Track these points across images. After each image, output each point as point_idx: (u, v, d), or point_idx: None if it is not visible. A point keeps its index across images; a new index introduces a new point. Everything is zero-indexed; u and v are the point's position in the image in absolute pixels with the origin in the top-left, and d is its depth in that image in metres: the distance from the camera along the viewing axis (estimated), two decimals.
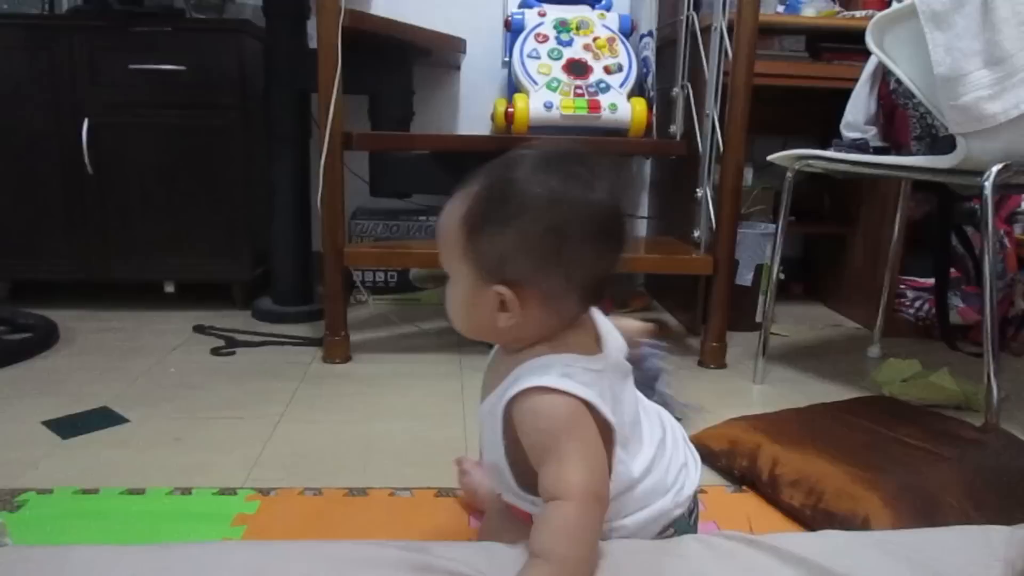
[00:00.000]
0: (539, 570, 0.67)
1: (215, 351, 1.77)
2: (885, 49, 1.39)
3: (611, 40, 2.08)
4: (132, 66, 1.97)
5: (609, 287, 0.75)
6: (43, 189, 2.03)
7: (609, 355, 0.77)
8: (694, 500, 0.85)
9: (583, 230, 0.70)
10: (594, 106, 1.95)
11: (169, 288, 2.14)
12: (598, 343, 0.78)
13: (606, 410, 0.72)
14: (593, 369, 0.73)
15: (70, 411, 1.38)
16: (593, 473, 0.70)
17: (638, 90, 2.06)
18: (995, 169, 1.24)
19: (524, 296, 0.71)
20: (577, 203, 0.70)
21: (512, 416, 0.73)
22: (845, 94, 1.70)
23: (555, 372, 0.71)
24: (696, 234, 1.87)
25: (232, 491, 1.09)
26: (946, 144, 1.31)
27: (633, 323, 0.91)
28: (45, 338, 1.77)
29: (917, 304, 2.06)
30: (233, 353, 1.76)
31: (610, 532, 0.77)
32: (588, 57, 2.04)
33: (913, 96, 1.39)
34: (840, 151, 1.58)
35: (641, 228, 2.58)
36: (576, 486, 0.68)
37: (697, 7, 1.95)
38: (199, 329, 1.93)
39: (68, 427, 1.31)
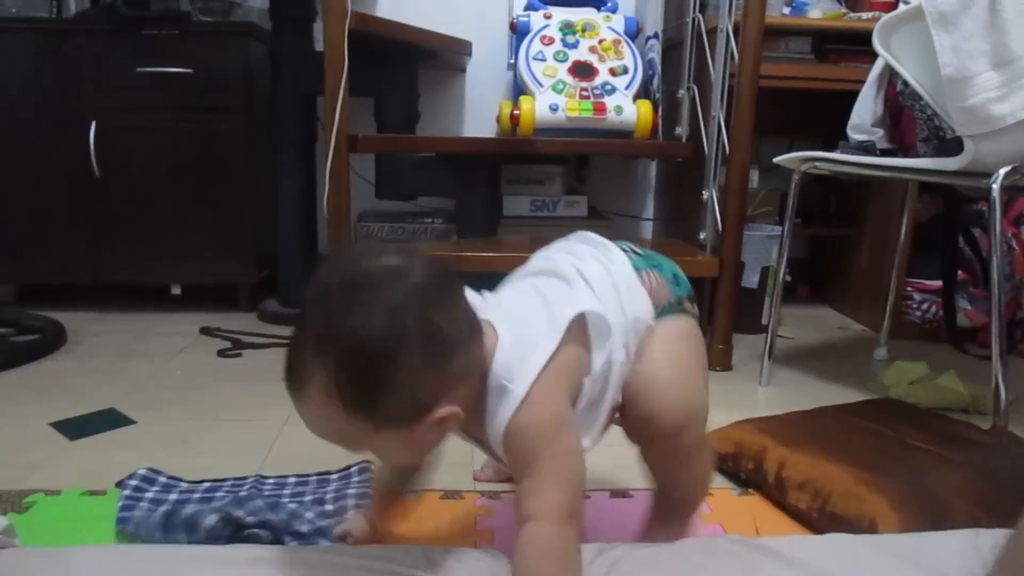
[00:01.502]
0: None
1: (221, 353, 1.77)
2: (892, 51, 1.38)
3: (617, 42, 2.08)
4: (139, 69, 1.98)
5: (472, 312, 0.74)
6: (50, 192, 2.04)
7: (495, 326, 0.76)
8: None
9: (440, 311, 0.68)
10: (600, 108, 1.95)
11: (176, 290, 2.14)
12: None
13: (560, 341, 0.73)
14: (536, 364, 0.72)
15: (78, 413, 1.38)
16: (568, 491, 0.71)
17: (644, 92, 2.06)
18: (1003, 171, 1.23)
19: (452, 400, 0.69)
20: (416, 299, 0.67)
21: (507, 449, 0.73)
22: (851, 96, 1.69)
23: (513, 381, 0.71)
24: (702, 236, 1.87)
25: None
26: (953, 146, 1.30)
27: None
28: (52, 340, 1.78)
29: (924, 306, 2.06)
30: (239, 355, 1.76)
31: (625, 347, 0.79)
32: (594, 59, 2.04)
33: (920, 98, 1.39)
34: (847, 153, 1.58)
35: (647, 230, 2.58)
36: (553, 505, 0.69)
37: (703, 9, 1.95)
38: (205, 331, 1.94)
39: (76, 429, 1.31)
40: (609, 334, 0.77)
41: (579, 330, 0.76)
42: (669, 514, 0.92)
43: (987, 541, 0.78)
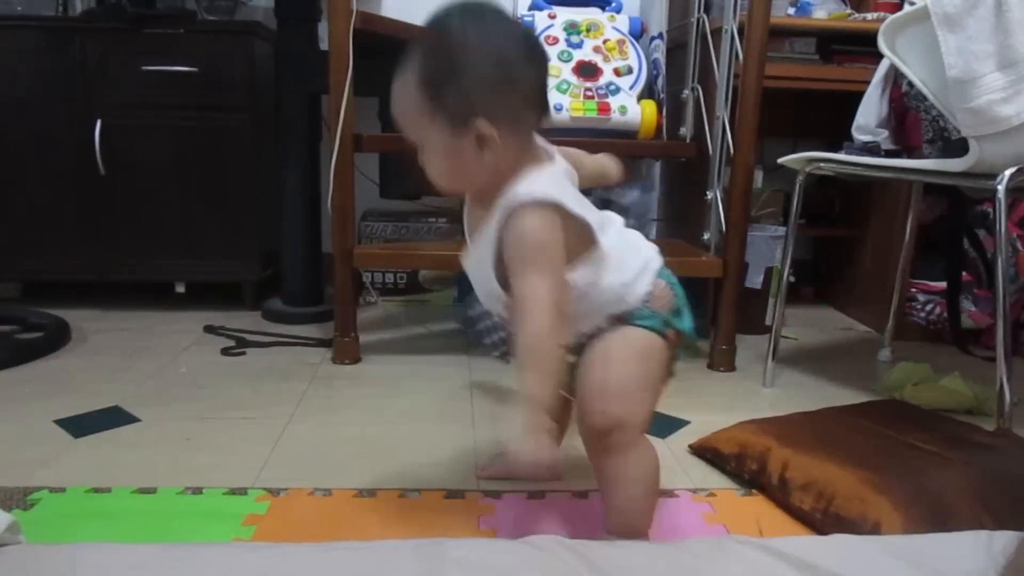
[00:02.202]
0: (520, 379, 0.78)
1: (225, 351, 1.77)
2: (897, 52, 1.38)
3: (621, 42, 2.08)
4: (144, 68, 1.98)
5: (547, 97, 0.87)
6: (55, 189, 2.04)
7: (560, 163, 0.91)
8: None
9: (519, 51, 0.82)
10: (604, 108, 1.94)
11: (180, 288, 2.15)
12: (551, 159, 0.91)
13: (578, 212, 0.85)
14: (560, 177, 0.88)
15: (82, 410, 1.38)
16: (554, 284, 0.81)
17: (648, 92, 2.06)
18: (1008, 172, 1.23)
19: (496, 127, 0.81)
20: (505, 32, 0.83)
21: (503, 239, 0.83)
22: (856, 97, 1.69)
23: (535, 187, 0.82)
24: (706, 236, 1.87)
25: (242, 491, 1.09)
26: (958, 147, 1.30)
27: (602, 158, 1.03)
28: (57, 338, 1.78)
29: (928, 308, 2.05)
30: (243, 353, 1.77)
31: (608, 290, 0.90)
32: (598, 59, 2.04)
33: (925, 99, 1.39)
34: (851, 154, 1.58)
35: (651, 230, 2.57)
36: (538, 293, 0.80)
37: (707, 9, 1.95)
38: (209, 329, 1.94)
39: (80, 426, 1.32)
40: (602, 262, 0.88)
41: (587, 236, 0.87)
42: (613, 528, 0.92)
43: (999, 543, 0.78)
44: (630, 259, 0.92)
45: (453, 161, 0.84)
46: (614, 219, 0.95)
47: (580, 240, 0.87)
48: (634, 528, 0.91)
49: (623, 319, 0.91)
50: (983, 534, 0.82)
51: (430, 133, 0.83)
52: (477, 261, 0.89)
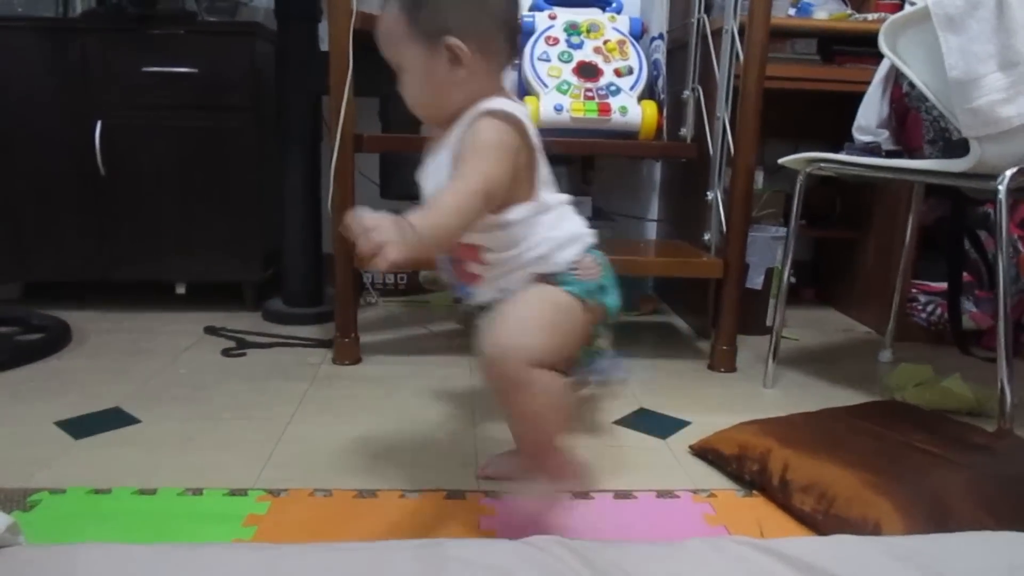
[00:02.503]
0: (421, 212, 0.81)
1: (226, 352, 1.77)
2: (898, 52, 1.38)
3: (622, 43, 2.08)
4: (145, 68, 1.98)
5: (517, 33, 0.98)
6: (56, 190, 2.04)
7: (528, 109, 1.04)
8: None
9: (501, 7, 0.92)
10: (604, 109, 1.94)
11: (180, 289, 2.15)
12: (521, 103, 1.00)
13: (533, 133, 0.93)
14: (526, 112, 0.94)
15: (82, 411, 1.38)
16: (491, 178, 0.86)
17: (649, 93, 2.06)
18: (1009, 173, 1.23)
19: (467, 45, 0.89)
20: None
21: (463, 141, 0.90)
22: (857, 97, 1.69)
23: (501, 103, 0.90)
24: (706, 237, 1.87)
25: (243, 492, 1.09)
26: (959, 148, 1.30)
27: None
28: (57, 339, 1.78)
29: (929, 309, 2.05)
30: (244, 354, 1.77)
31: (539, 244, 0.95)
32: (599, 60, 2.04)
33: (926, 99, 1.39)
34: (852, 154, 1.58)
35: (651, 231, 2.57)
36: (475, 175, 0.86)
37: (708, 10, 1.95)
38: (210, 330, 1.94)
39: (80, 427, 1.32)
40: (540, 213, 0.95)
41: (533, 177, 0.95)
42: (525, 457, 1.02)
43: (1001, 545, 0.78)
44: (566, 224, 0.99)
45: (428, 80, 0.92)
46: (563, 197, 1.01)
47: (527, 175, 0.94)
48: (541, 465, 0.95)
49: (547, 280, 0.96)
50: (985, 535, 0.82)
51: (406, 51, 0.91)
52: (434, 168, 0.96)
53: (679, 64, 2.09)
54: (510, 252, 0.95)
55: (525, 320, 0.91)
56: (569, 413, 0.97)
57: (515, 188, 0.92)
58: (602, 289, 0.98)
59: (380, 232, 0.73)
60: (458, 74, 0.90)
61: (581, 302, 0.95)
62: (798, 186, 1.60)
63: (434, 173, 0.97)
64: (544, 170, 0.97)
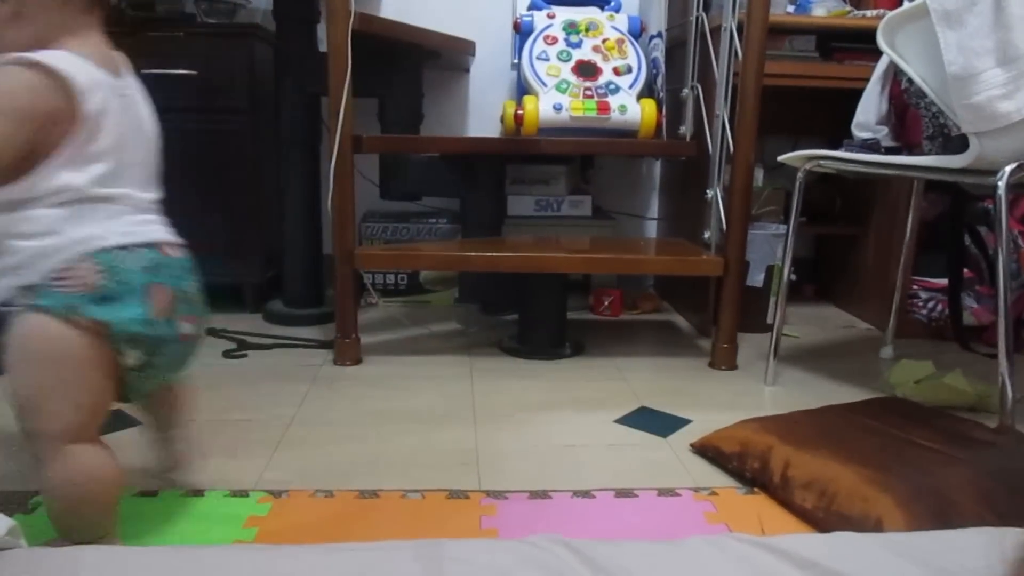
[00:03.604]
0: None
1: (226, 354, 1.77)
2: (897, 48, 1.38)
3: (620, 41, 2.08)
4: (144, 71, 1.97)
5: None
6: None
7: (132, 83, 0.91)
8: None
9: None
10: (603, 107, 1.94)
11: None
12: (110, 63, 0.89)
13: (96, 99, 0.82)
14: (91, 67, 0.83)
15: None
16: None
17: (648, 91, 2.06)
18: (1009, 168, 1.23)
19: None
20: None
21: None
22: (856, 94, 1.69)
23: (49, 55, 0.78)
24: (706, 235, 1.87)
25: (244, 493, 1.09)
26: (959, 144, 1.30)
27: None
28: None
29: (930, 305, 2.05)
30: (244, 356, 1.77)
31: (22, 249, 0.80)
32: (597, 59, 2.04)
33: (925, 95, 1.39)
34: (852, 151, 1.58)
35: (651, 229, 2.57)
36: None
37: (707, 8, 1.95)
38: (210, 331, 1.94)
39: None
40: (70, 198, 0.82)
41: (78, 152, 0.82)
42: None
43: (1003, 540, 0.78)
44: (87, 222, 0.83)
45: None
46: (123, 193, 0.91)
47: (62, 143, 0.80)
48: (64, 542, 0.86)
49: (31, 294, 0.80)
50: (987, 531, 0.82)
51: None
52: None
53: (678, 62, 2.09)
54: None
55: (29, 397, 0.81)
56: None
57: (31, 162, 0.78)
58: (103, 300, 0.81)
59: None
60: (3, 12, 0.79)
61: (64, 321, 0.79)
62: (798, 183, 1.60)
63: None
64: (110, 161, 0.85)
